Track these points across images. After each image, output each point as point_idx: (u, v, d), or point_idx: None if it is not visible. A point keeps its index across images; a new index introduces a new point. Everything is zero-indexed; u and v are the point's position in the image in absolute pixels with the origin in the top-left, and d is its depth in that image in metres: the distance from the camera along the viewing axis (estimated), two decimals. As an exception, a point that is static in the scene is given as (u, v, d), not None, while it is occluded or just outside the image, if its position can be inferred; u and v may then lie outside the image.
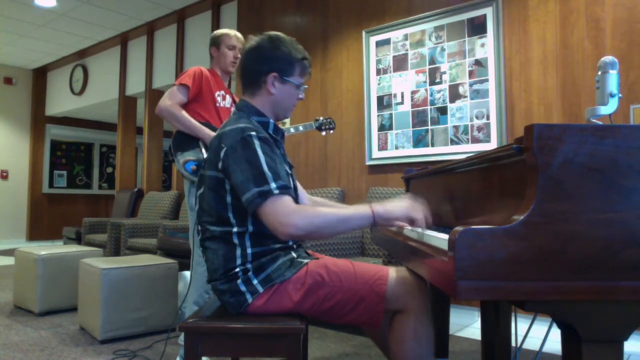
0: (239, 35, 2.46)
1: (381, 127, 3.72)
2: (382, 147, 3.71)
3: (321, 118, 2.61)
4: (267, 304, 1.35)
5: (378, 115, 3.74)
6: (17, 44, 6.74)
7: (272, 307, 1.36)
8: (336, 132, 4.01)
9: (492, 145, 3.15)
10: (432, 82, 3.46)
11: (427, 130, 3.47)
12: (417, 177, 1.95)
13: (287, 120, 4.13)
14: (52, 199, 8.27)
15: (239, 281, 1.36)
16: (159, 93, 5.82)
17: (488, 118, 3.18)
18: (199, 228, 1.46)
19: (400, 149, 3.61)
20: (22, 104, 7.99)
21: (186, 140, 2.26)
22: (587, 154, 0.92)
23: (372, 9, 3.86)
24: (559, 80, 2.93)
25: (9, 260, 5.86)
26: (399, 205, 1.32)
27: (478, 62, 3.24)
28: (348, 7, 4.03)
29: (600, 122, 1.08)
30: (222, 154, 1.35)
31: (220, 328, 1.30)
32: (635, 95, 2.66)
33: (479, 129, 3.22)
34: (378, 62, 3.77)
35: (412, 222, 1.33)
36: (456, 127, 3.32)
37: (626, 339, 0.93)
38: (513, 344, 1.77)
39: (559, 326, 0.98)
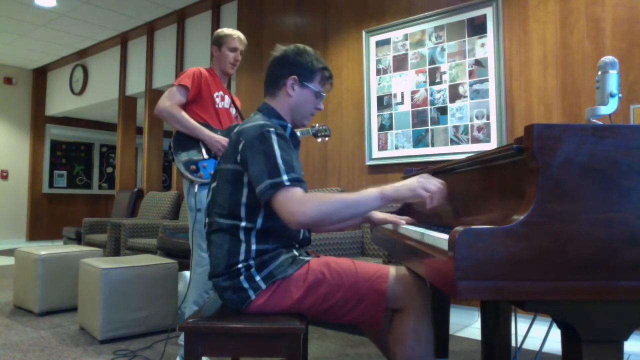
0: (242, 37, 2.44)
1: (381, 127, 3.72)
2: (382, 147, 3.71)
3: (317, 125, 2.60)
4: (269, 301, 1.36)
5: (378, 115, 3.74)
6: (17, 44, 6.74)
7: (273, 305, 1.37)
8: (336, 132, 4.01)
9: (492, 145, 3.15)
10: (432, 82, 3.46)
11: (427, 130, 3.48)
12: (417, 177, 1.95)
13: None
14: (52, 199, 8.27)
15: (241, 278, 1.37)
16: (159, 93, 5.82)
17: (488, 118, 3.18)
18: (207, 221, 1.47)
19: (400, 149, 3.61)
20: (22, 104, 7.99)
21: (186, 140, 2.26)
22: (587, 154, 0.92)
23: (372, 9, 3.86)
24: (559, 80, 2.93)
25: (9, 260, 5.86)
26: (408, 185, 1.29)
27: (478, 62, 3.24)
28: (348, 7, 4.03)
29: (600, 122, 1.08)
30: (240, 147, 1.39)
31: (220, 328, 1.30)
32: (635, 95, 2.66)
33: (479, 129, 3.22)
34: (378, 62, 3.77)
35: (422, 199, 1.29)
36: (456, 127, 3.32)
37: (626, 339, 0.93)
38: (513, 344, 1.77)
39: (559, 326, 0.98)
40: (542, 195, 0.90)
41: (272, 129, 1.38)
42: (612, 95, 1.30)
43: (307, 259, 1.42)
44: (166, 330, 2.75)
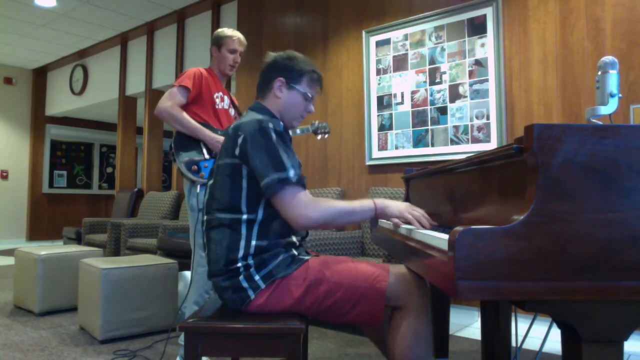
0: (242, 38, 2.43)
1: (381, 127, 3.72)
2: (382, 147, 3.71)
3: (317, 122, 2.60)
4: (269, 300, 1.36)
5: (378, 115, 3.75)
6: (17, 44, 6.74)
7: (273, 304, 1.37)
8: (336, 132, 4.01)
9: (492, 145, 3.15)
10: (432, 82, 3.46)
11: (427, 130, 3.48)
12: (417, 177, 1.95)
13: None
14: (52, 199, 8.27)
15: (240, 277, 1.37)
16: (159, 93, 5.82)
17: (488, 118, 3.18)
18: (205, 219, 1.47)
19: (400, 149, 3.61)
20: (22, 104, 7.99)
21: (187, 140, 2.26)
22: (587, 154, 0.92)
23: (372, 9, 3.86)
24: (559, 80, 2.93)
25: (9, 260, 5.86)
26: (397, 205, 1.44)
27: (478, 62, 3.24)
28: (348, 7, 4.03)
29: (600, 122, 1.08)
30: (239, 140, 1.40)
31: (220, 328, 1.30)
32: (635, 95, 2.66)
33: (479, 129, 3.22)
34: (378, 62, 3.77)
35: (406, 221, 1.44)
36: (456, 127, 3.33)
37: (626, 339, 0.93)
38: (513, 344, 1.77)
39: (559, 326, 0.98)
40: (542, 195, 0.90)
41: (270, 126, 1.40)
42: (612, 95, 1.30)
43: (306, 258, 1.43)
44: (166, 330, 2.75)
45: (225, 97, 2.43)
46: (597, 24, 2.81)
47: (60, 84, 7.79)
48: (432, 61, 3.47)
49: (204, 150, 2.25)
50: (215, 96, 2.36)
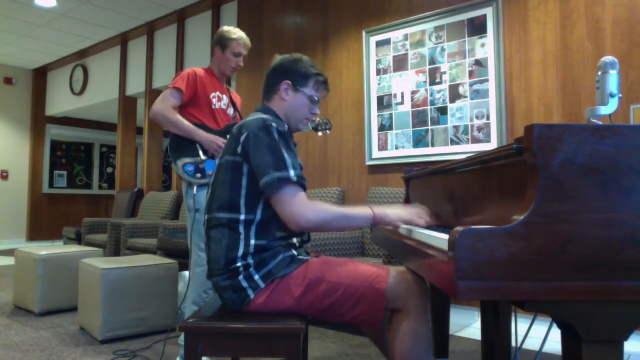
0: (247, 42, 2.39)
1: (381, 127, 3.72)
2: (382, 147, 3.71)
3: (317, 119, 2.59)
4: (268, 299, 1.36)
5: (378, 115, 3.75)
6: (17, 44, 6.74)
7: (272, 303, 1.37)
8: (336, 132, 4.01)
9: (492, 145, 3.15)
10: (432, 82, 3.46)
11: (427, 130, 3.48)
12: (417, 177, 1.95)
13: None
14: (52, 199, 8.27)
15: (240, 277, 1.37)
16: (159, 93, 5.80)
17: (488, 118, 3.18)
18: (206, 217, 1.47)
19: (400, 149, 3.61)
20: (22, 104, 7.99)
21: (183, 142, 2.25)
22: (587, 154, 0.92)
23: (372, 9, 3.86)
24: (559, 80, 2.93)
25: (9, 260, 5.86)
26: (396, 211, 1.42)
27: (478, 62, 3.24)
28: (348, 7, 4.03)
29: (600, 122, 1.08)
30: (242, 138, 1.41)
31: (220, 328, 1.30)
32: (635, 95, 2.66)
33: (479, 129, 3.22)
34: (378, 62, 3.77)
35: (405, 223, 1.43)
36: (456, 127, 3.33)
37: (626, 339, 0.93)
38: (513, 344, 1.77)
39: (559, 326, 0.98)
40: (542, 195, 0.90)
41: (274, 125, 1.41)
42: (612, 95, 1.30)
43: (306, 258, 1.43)
44: (166, 331, 2.75)
45: (224, 97, 2.41)
46: (597, 24, 2.81)
47: (60, 84, 7.79)
48: (432, 61, 3.47)
49: (200, 151, 2.25)
50: (211, 96, 2.34)
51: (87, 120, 8.84)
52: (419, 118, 3.52)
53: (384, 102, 3.72)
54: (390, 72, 3.69)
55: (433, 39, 3.47)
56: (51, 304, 3.21)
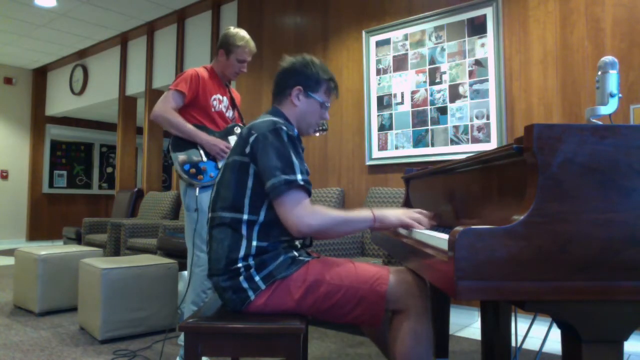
0: (253, 48, 2.36)
1: (381, 127, 3.72)
2: (382, 147, 3.71)
3: None
4: (269, 301, 1.36)
5: (378, 115, 3.75)
6: (17, 44, 6.74)
7: (273, 305, 1.37)
8: (336, 132, 4.01)
9: (492, 145, 3.15)
10: (432, 82, 3.46)
11: (427, 130, 3.48)
12: (417, 177, 1.95)
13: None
14: (52, 199, 8.27)
15: (241, 278, 1.37)
16: (159, 93, 5.82)
17: (488, 118, 3.18)
18: (210, 216, 1.48)
19: (400, 149, 3.61)
20: (22, 104, 7.99)
21: (184, 143, 2.25)
22: (587, 154, 0.92)
23: (372, 9, 3.86)
24: (559, 80, 2.93)
25: (9, 260, 5.86)
26: (395, 213, 1.43)
27: (478, 62, 3.24)
28: (348, 7, 4.03)
29: (600, 122, 1.08)
30: (251, 139, 1.40)
31: (220, 328, 1.30)
32: (635, 95, 2.66)
33: (479, 129, 3.22)
34: (378, 62, 3.77)
35: (406, 227, 1.44)
36: (456, 127, 3.33)
37: (626, 339, 0.93)
38: (513, 344, 1.77)
39: (559, 326, 0.98)
40: (542, 195, 0.90)
41: (284, 128, 1.40)
42: (612, 95, 1.30)
43: (306, 259, 1.43)
44: (166, 331, 2.75)
45: (224, 99, 2.40)
46: (597, 24, 2.81)
47: (60, 84, 7.79)
48: (432, 61, 3.47)
49: (201, 152, 2.25)
50: (212, 98, 2.33)
51: (87, 120, 8.84)
52: (419, 118, 3.52)
53: (384, 102, 3.72)
54: (390, 72, 3.69)
55: (433, 39, 3.47)
56: (51, 304, 3.21)
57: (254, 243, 1.39)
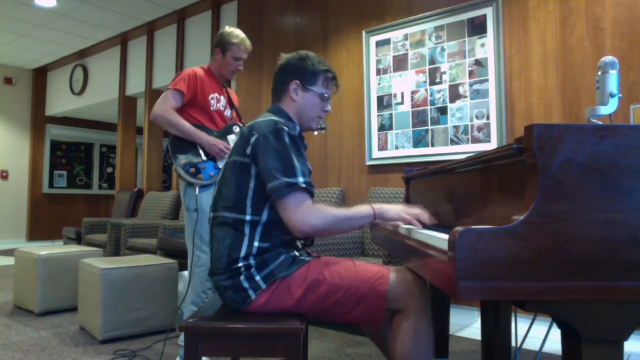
0: (248, 46, 2.38)
1: (381, 127, 3.72)
2: (382, 147, 3.71)
3: None
4: (269, 300, 1.37)
5: (378, 115, 3.75)
6: (17, 44, 6.74)
7: (273, 304, 1.37)
8: (336, 132, 4.01)
9: (492, 145, 3.15)
10: (432, 82, 3.46)
11: (427, 130, 3.48)
12: (417, 177, 1.95)
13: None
14: (52, 199, 8.27)
15: (241, 277, 1.37)
16: (159, 93, 5.82)
17: (488, 118, 3.18)
18: (211, 215, 1.47)
19: (400, 149, 3.61)
20: (22, 104, 7.99)
21: (183, 143, 2.25)
22: (587, 154, 0.92)
23: (372, 9, 3.86)
24: (559, 80, 2.93)
25: (9, 260, 5.86)
26: (394, 209, 1.43)
27: (478, 62, 3.24)
28: (348, 7, 4.03)
29: (600, 122, 1.08)
30: (252, 140, 1.40)
31: (220, 328, 1.30)
32: (635, 95, 2.66)
33: (479, 129, 3.22)
34: (378, 62, 3.77)
35: (405, 222, 1.43)
36: (456, 127, 3.33)
37: (626, 339, 0.93)
38: (513, 344, 1.77)
39: (559, 326, 0.98)
40: (542, 195, 0.90)
41: (285, 129, 1.39)
42: (612, 95, 1.30)
43: (307, 259, 1.43)
44: (166, 331, 2.75)
45: (222, 98, 2.40)
46: (597, 24, 2.81)
47: (60, 84, 7.80)
48: (432, 61, 3.47)
49: (201, 152, 2.25)
50: (210, 97, 2.34)
51: (87, 120, 8.84)
52: (419, 118, 3.52)
53: (384, 102, 3.72)
54: (390, 72, 3.69)
55: (433, 39, 3.47)
56: (51, 304, 3.21)
57: (256, 243, 1.39)
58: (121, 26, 6.04)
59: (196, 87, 2.29)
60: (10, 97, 7.85)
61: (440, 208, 1.64)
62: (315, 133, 2.62)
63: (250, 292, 1.36)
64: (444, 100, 3.39)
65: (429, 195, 1.80)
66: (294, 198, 1.34)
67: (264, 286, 1.36)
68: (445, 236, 1.05)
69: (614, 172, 0.91)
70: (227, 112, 2.44)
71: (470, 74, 3.28)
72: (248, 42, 2.39)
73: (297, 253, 1.44)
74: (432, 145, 3.44)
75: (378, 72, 3.77)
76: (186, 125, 2.23)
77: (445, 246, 1.00)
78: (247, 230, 1.39)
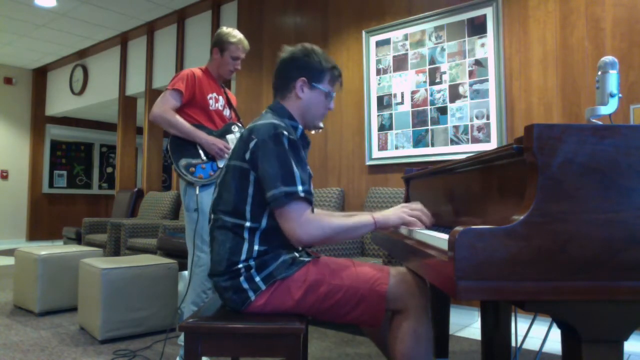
0: (246, 45, 2.39)
1: (381, 127, 3.72)
2: (382, 147, 3.71)
3: None
4: (269, 301, 1.36)
5: (378, 115, 3.74)
6: (17, 44, 6.74)
7: (273, 305, 1.37)
8: (336, 132, 4.01)
9: (492, 145, 3.15)
10: (432, 82, 3.46)
11: (427, 130, 3.48)
12: (417, 177, 1.95)
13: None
14: (52, 199, 8.27)
15: (241, 278, 1.37)
16: (159, 93, 5.80)
17: (488, 118, 3.18)
18: (212, 217, 1.47)
19: (400, 149, 3.61)
20: (22, 104, 7.99)
21: (183, 142, 2.25)
22: (587, 154, 0.92)
23: (372, 9, 3.86)
24: (559, 80, 2.93)
25: (9, 260, 5.86)
26: (394, 213, 1.41)
27: (478, 62, 3.24)
28: (348, 7, 4.03)
29: (600, 122, 1.08)
30: (251, 144, 1.37)
31: (220, 328, 1.30)
32: (635, 95, 2.66)
33: (479, 129, 3.22)
34: (378, 62, 3.77)
35: (407, 225, 1.42)
36: (456, 127, 3.33)
37: (626, 339, 0.93)
38: (513, 344, 1.77)
39: (559, 326, 0.98)
40: (542, 195, 0.90)
41: (285, 133, 1.36)
42: (612, 95, 1.30)
43: (307, 259, 1.42)
44: (166, 331, 2.75)
45: (220, 98, 2.41)
46: (597, 24, 2.81)
47: (60, 84, 7.80)
48: (432, 61, 3.47)
49: (201, 152, 2.25)
50: (209, 97, 2.34)
51: (87, 120, 8.84)
52: (419, 118, 3.52)
53: (384, 102, 3.72)
54: (390, 72, 3.69)
55: (433, 39, 3.47)
56: (51, 304, 3.21)
57: (256, 247, 1.38)
58: (121, 26, 6.04)
59: (195, 87, 2.29)
60: (10, 97, 7.85)
61: (440, 208, 1.64)
62: (313, 132, 2.63)
63: (250, 293, 1.36)
64: (444, 100, 3.39)
65: (429, 195, 1.80)
66: (293, 208, 1.32)
67: (263, 287, 1.36)
68: (445, 236, 1.06)
69: (614, 172, 0.91)
70: (226, 112, 2.45)
71: (470, 74, 3.28)
72: (246, 42, 2.40)
73: (297, 254, 1.44)
74: (432, 145, 3.44)
75: (378, 72, 3.77)
76: (185, 125, 2.24)
77: (445, 246, 1.00)
78: (246, 235, 1.39)
